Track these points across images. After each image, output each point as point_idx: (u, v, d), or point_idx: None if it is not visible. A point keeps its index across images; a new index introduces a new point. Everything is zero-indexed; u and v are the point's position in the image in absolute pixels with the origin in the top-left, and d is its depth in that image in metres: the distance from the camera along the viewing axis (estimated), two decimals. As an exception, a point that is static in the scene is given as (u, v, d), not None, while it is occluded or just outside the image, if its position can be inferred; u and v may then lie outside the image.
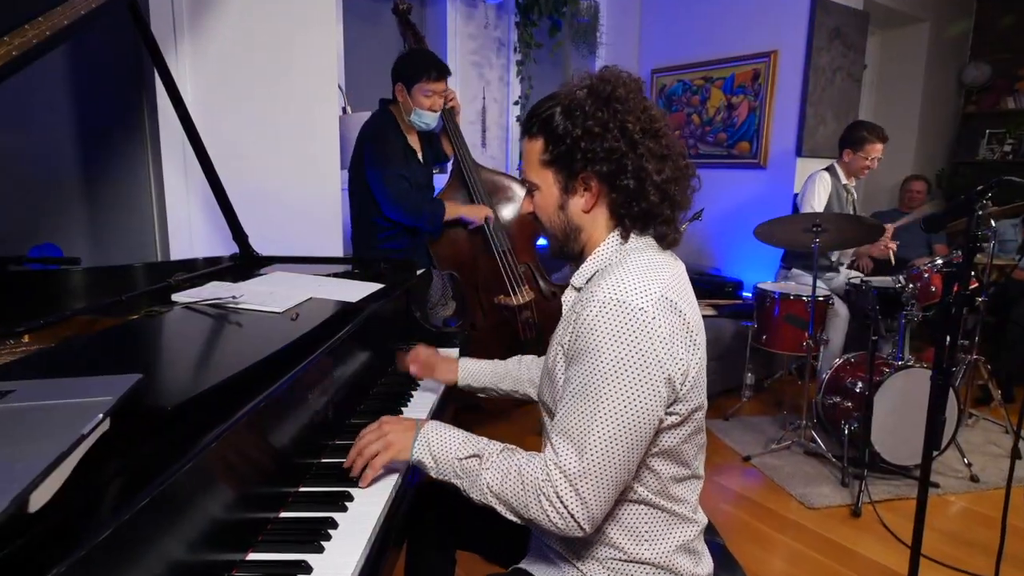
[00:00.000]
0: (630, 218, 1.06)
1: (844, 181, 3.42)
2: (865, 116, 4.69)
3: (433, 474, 1.07)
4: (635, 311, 0.94)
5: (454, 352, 1.83)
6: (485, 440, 1.06)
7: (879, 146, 3.27)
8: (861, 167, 3.32)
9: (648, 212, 1.05)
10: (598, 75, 1.06)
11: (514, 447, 1.05)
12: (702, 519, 1.13)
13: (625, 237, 1.07)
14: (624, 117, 1.02)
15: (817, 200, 3.37)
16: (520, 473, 0.98)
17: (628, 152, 1.01)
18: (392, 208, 2.48)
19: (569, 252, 1.13)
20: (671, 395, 0.98)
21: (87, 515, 0.65)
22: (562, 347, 1.04)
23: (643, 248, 1.07)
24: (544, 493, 0.95)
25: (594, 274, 1.07)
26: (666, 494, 1.05)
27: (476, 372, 1.48)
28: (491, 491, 1.00)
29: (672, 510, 1.06)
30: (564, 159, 1.05)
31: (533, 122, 1.08)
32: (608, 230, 1.09)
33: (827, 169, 3.44)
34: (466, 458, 1.03)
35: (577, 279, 1.12)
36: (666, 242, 1.09)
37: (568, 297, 1.13)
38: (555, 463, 0.95)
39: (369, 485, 1.09)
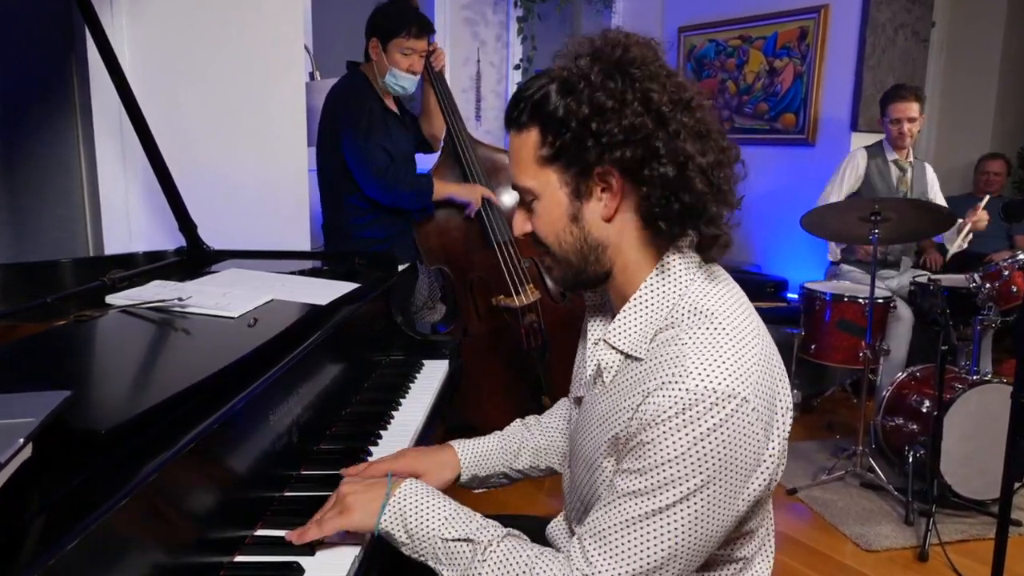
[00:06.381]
0: (667, 220, 0.93)
1: (894, 156, 3.43)
2: (933, 82, 4.70)
3: (406, 551, 1.00)
4: (737, 402, 0.85)
5: (438, 372, 1.83)
6: (479, 518, 1.00)
7: (903, 105, 3.27)
8: (895, 135, 3.34)
9: (692, 209, 0.92)
10: (600, 37, 0.95)
11: (520, 535, 0.99)
12: None
13: (676, 254, 0.96)
14: (646, 85, 0.90)
15: (838, 183, 3.41)
16: None
17: (656, 130, 0.89)
18: (370, 184, 2.51)
19: (590, 280, 1.01)
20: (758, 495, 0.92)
21: (5, 559, 0.65)
22: (614, 440, 0.93)
23: (703, 273, 0.97)
24: None
25: (656, 333, 0.95)
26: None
27: (483, 455, 1.27)
28: None
29: None
30: (572, 150, 0.92)
31: (521, 108, 0.95)
32: (642, 244, 0.97)
33: (870, 146, 3.46)
34: (454, 540, 0.96)
35: (623, 337, 0.97)
36: (716, 249, 0.97)
37: (609, 360, 0.99)
38: None
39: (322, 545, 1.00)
